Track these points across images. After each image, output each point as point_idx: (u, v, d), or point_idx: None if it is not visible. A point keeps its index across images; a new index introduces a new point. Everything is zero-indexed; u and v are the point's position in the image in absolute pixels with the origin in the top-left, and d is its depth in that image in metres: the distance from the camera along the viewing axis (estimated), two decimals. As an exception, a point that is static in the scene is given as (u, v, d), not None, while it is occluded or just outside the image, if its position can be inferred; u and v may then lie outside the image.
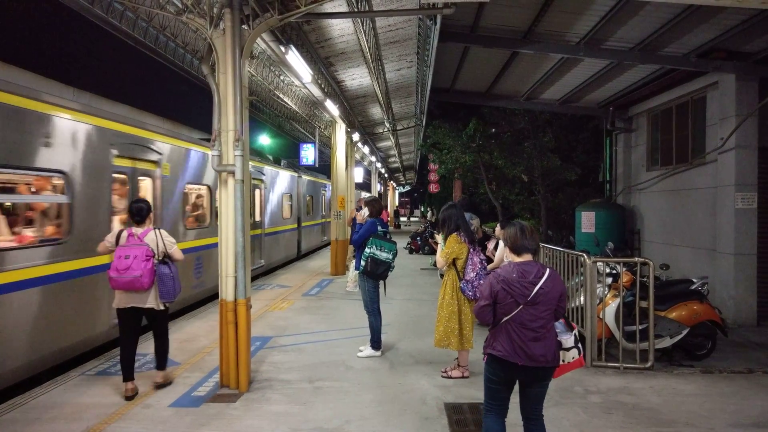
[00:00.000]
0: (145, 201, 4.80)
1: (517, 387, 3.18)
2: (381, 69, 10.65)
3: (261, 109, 13.87)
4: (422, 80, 11.14)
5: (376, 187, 29.55)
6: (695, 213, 8.91)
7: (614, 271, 6.05)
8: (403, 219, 49.03)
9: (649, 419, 4.20)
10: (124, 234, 4.55)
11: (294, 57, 7.10)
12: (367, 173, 29.85)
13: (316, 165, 17.48)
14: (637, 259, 5.83)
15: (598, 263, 5.68)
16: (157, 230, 4.62)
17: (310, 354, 5.96)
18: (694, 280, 6.32)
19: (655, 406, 4.46)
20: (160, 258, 4.58)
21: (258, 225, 12.26)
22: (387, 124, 15.93)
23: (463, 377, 5.11)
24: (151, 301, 4.53)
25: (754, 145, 7.69)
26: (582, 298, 5.73)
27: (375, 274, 5.72)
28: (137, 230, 4.57)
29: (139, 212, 4.59)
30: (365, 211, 6.02)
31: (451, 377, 5.12)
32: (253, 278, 10.01)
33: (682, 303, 5.91)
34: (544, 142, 15.52)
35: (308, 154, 17.20)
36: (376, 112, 14.99)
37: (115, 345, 6.23)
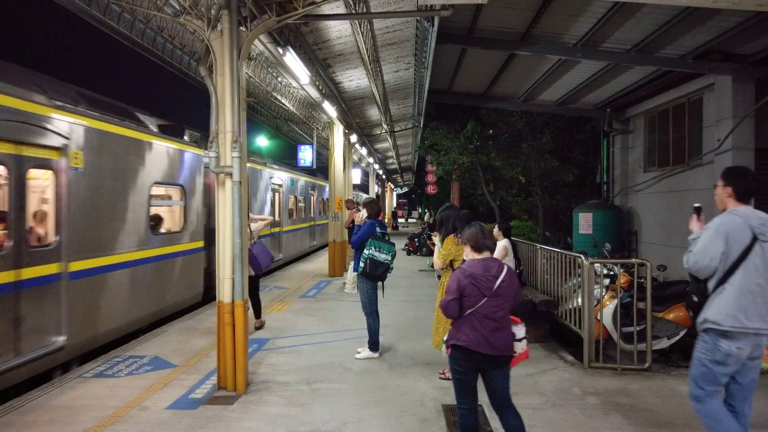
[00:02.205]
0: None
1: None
2: (379, 70, 10.65)
3: (259, 111, 13.85)
4: (420, 82, 11.14)
5: (374, 189, 29.57)
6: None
7: (612, 273, 6.06)
8: (401, 220, 49.05)
9: (647, 420, 4.20)
10: None
11: (292, 59, 7.10)
12: (365, 175, 29.86)
13: (314, 166, 17.46)
14: (634, 260, 5.83)
15: (596, 264, 5.69)
16: (251, 223, 6.94)
17: (308, 356, 5.95)
18: (692, 281, 6.33)
19: (653, 408, 4.46)
20: (252, 242, 6.83)
21: (53, 253, 5.26)
22: (385, 126, 15.92)
23: (461, 379, 5.10)
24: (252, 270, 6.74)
25: (750, 147, 7.72)
26: (579, 300, 5.73)
27: (374, 275, 5.71)
28: None
29: None
30: (363, 213, 6.02)
31: (449, 378, 5.11)
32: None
33: (679, 304, 5.92)
34: (541, 144, 15.57)
35: (306, 155, 17.20)
36: (374, 113, 14.98)
37: (111, 347, 6.35)
